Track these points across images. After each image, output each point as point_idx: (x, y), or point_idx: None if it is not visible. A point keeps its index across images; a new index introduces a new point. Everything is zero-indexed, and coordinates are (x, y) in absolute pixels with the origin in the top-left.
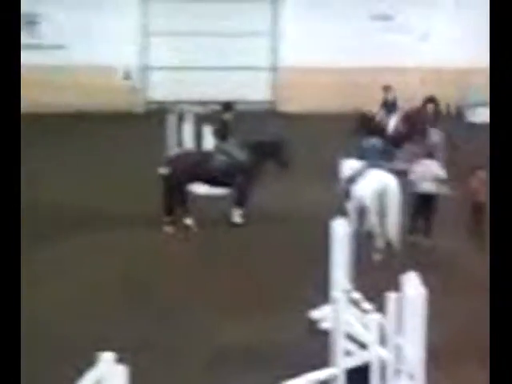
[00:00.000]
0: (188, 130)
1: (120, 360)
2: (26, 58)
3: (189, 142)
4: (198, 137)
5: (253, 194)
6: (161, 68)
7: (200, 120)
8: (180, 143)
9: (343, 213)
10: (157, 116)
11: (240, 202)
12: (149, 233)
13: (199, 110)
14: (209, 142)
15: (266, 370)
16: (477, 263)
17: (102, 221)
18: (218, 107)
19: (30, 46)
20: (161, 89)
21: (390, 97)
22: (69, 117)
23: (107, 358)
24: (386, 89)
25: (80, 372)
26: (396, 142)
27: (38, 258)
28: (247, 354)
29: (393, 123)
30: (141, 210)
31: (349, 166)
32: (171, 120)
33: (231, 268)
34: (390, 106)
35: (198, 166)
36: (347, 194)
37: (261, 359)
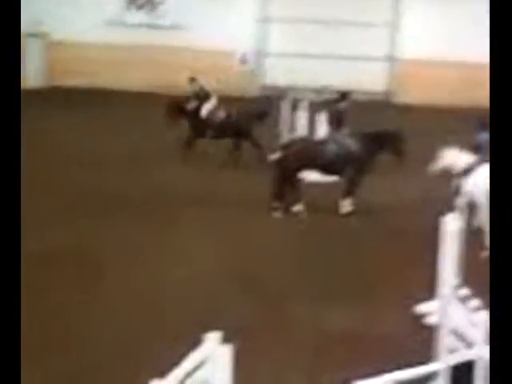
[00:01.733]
0: (301, 117)
1: (225, 341)
2: (146, 37)
3: (301, 129)
4: (311, 124)
5: (363, 184)
6: (278, 54)
7: (314, 108)
8: (293, 130)
9: (452, 207)
10: (271, 102)
11: (349, 191)
12: (257, 218)
13: (314, 97)
14: (322, 130)
15: (368, 361)
16: None
17: (212, 204)
18: (333, 96)
19: (150, 26)
20: (276, 74)
21: None
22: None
23: (212, 338)
24: None
25: (186, 353)
26: None
27: (151, 241)
28: (350, 343)
29: None
30: (250, 194)
31: (458, 158)
32: (285, 106)
33: (337, 256)
34: None
35: (310, 154)
36: (458, 189)
37: (363, 349)
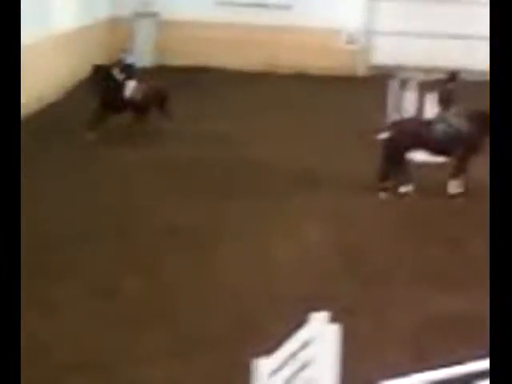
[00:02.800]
0: (410, 96)
1: (331, 320)
2: (254, 16)
3: (409, 109)
4: (420, 104)
5: (472, 164)
6: (386, 33)
7: (422, 87)
8: (400, 109)
9: None
10: (379, 81)
11: (459, 171)
12: (363, 198)
13: (422, 77)
14: (430, 110)
15: (473, 343)
16: None
17: (317, 183)
18: (442, 75)
19: (258, 5)
20: (384, 54)
21: None
22: (289, 77)
23: (320, 317)
24: None
25: (293, 331)
26: None
27: (264, 220)
28: (452, 327)
29: None
30: (357, 173)
31: None
32: (393, 85)
33: (444, 238)
34: None
35: (418, 134)
36: None
37: (469, 332)
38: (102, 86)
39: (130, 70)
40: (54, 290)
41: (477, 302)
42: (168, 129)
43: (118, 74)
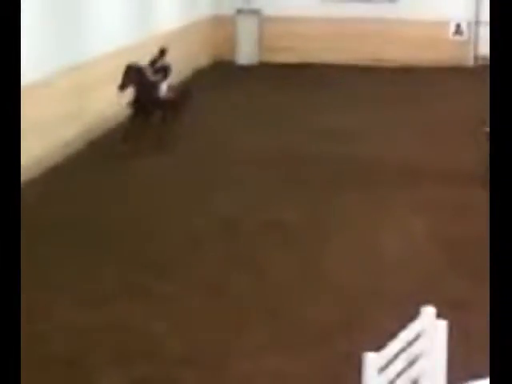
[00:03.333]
0: None
1: (439, 315)
2: (356, 10)
3: None
4: None
5: None
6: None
7: None
8: None
9: None
10: (487, 71)
11: None
12: (472, 191)
13: None
14: None
15: None
16: None
17: (425, 176)
18: None
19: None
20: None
21: None
22: (396, 70)
23: (429, 312)
24: None
25: (401, 325)
26: None
27: (370, 213)
28: None
29: None
30: (466, 165)
31: None
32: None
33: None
34: None
35: None
36: None
37: None
38: (134, 86)
39: (164, 71)
40: (163, 284)
41: None
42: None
43: (151, 74)
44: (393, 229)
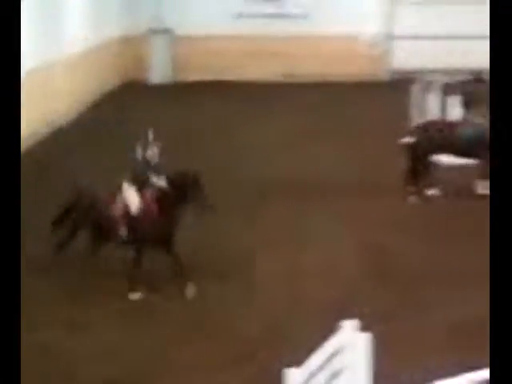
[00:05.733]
0: (433, 99)
1: (362, 328)
2: (270, 27)
3: (433, 112)
4: (444, 107)
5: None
6: (405, 36)
7: (445, 90)
8: (424, 113)
9: None
10: (401, 85)
11: (486, 173)
12: (391, 202)
13: (445, 79)
14: (454, 112)
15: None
16: None
17: (343, 188)
18: (465, 77)
19: (274, 16)
20: (404, 57)
21: None
22: (310, 86)
23: (350, 325)
24: None
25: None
26: None
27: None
28: (480, 329)
29: None
30: (383, 179)
31: None
32: (415, 89)
33: (473, 241)
34: None
35: (443, 137)
36: None
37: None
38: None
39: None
40: None
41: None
42: None
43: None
44: (317, 240)
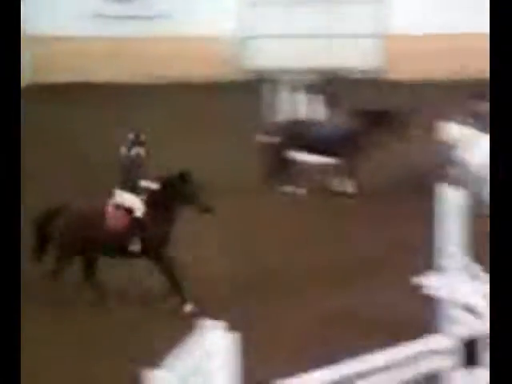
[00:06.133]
0: (291, 98)
1: (229, 329)
2: (128, 28)
3: (292, 111)
4: (302, 105)
5: (362, 163)
6: (260, 36)
7: (303, 89)
8: (282, 111)
9: (451, 180)
10: (258, 84)
11: (348, 171)
12: (249, 201)
13: (301, 78)
14: (313, 111)
15: (372, 336)
16: None
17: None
18: (323, 76)
19: (133, 17)
20: (260, 58)
21: None
22: (168, 87)
23: (215, 326)
24: None
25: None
26: None
27: None
28: (353, 320)
29: None
30: (240, 178)
31: (457, 131)
32: (273, 88)
33: (335, 236)
34: None
35: (303, 135)
36: (456, 162)
37: (366, 326)
38: None
39: None
40: None
41: (370, 297)
42: None
43: None
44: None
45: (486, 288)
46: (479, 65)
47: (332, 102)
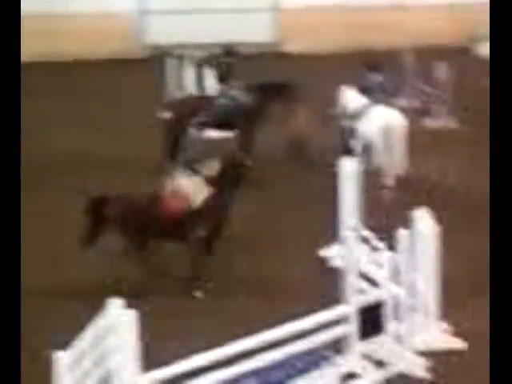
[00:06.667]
0: (189, 74)
1: (127, 306)
2: (26, 6)
3: (190, 87)
4: (199, 81)
5: (257, 136)
6: (160, 12)
7: (200, 64)
8: (181, 88)
9: (348, 151)
10: (156, 60)
11: (245, 144)
12: (151, 178)
13: (200, 53)
14: (211, 85)
15: (277, 306)
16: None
17: (101, 167)
18: (219, 50)
19: None
20: (161, 33)
21: None
22: (68, 65)
23: (116, 304)
24: None
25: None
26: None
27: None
28: (256, 290)
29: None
30: (142, 155)
31: (353, 100)
32: (171, 64)
33: (237, 208)
34: None
35: (200, 110)
36: (352, 132)
37: (270, 295)
38: None
39: None
40: None
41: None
42: None
43: None
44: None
45: (384, 257)
46: (371, 37)
47: (228, 76)
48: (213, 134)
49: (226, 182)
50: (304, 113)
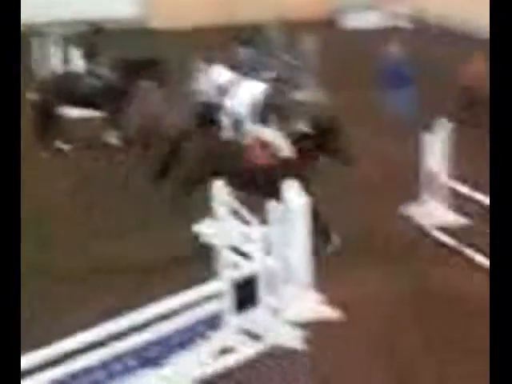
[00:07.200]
0: (54, 52)
1: None
2: None
3: (56, 65)
4: (66, 59)
5: (127, 114)
6: None
7: (66, 42)
8: (46, 66)
9: (213, 123)
10: (23, 39)
11: (115, 123)
12: (22, 159)
13: (65, 31)
14: (77, 64)
15: (154, 284)
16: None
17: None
18: (85, 28)
19: None
20: (25, 11)
21: None
22: None
23: None
24: None
25: None
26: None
27: None
28: (133, 268)
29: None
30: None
31: (220, 75)
32: (36, 43)
33: (110, 187)
34: None
35: (68, 89)
36: (219, 107)
37: (148, 273)
38: None
39: None
40: None
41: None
42: None
43: None
44: None
45: (255, 232)
46: (238, 11)
47: (95, 53)
48: (81, 112)
49: (315, 146)
50: (162, 91)
